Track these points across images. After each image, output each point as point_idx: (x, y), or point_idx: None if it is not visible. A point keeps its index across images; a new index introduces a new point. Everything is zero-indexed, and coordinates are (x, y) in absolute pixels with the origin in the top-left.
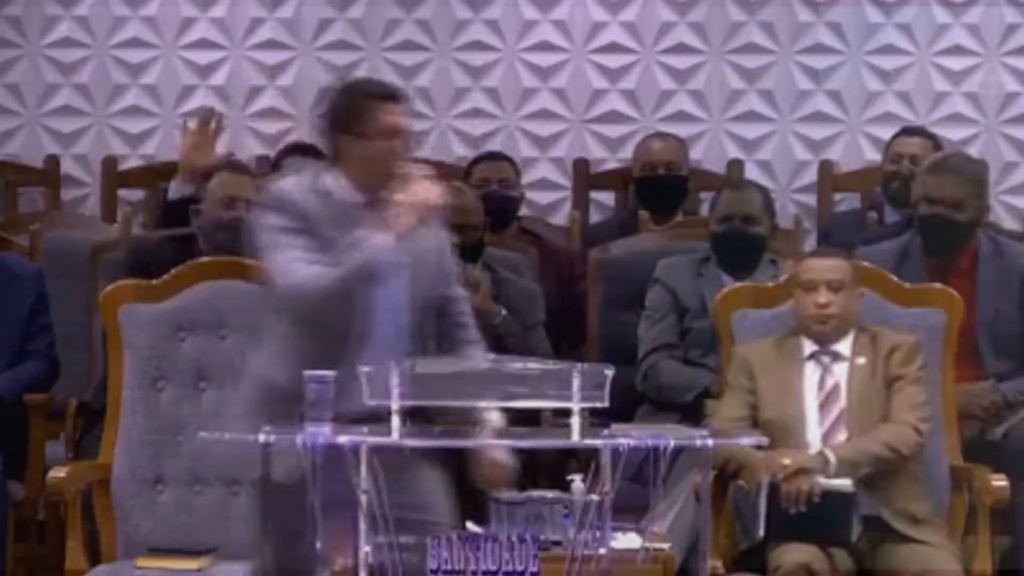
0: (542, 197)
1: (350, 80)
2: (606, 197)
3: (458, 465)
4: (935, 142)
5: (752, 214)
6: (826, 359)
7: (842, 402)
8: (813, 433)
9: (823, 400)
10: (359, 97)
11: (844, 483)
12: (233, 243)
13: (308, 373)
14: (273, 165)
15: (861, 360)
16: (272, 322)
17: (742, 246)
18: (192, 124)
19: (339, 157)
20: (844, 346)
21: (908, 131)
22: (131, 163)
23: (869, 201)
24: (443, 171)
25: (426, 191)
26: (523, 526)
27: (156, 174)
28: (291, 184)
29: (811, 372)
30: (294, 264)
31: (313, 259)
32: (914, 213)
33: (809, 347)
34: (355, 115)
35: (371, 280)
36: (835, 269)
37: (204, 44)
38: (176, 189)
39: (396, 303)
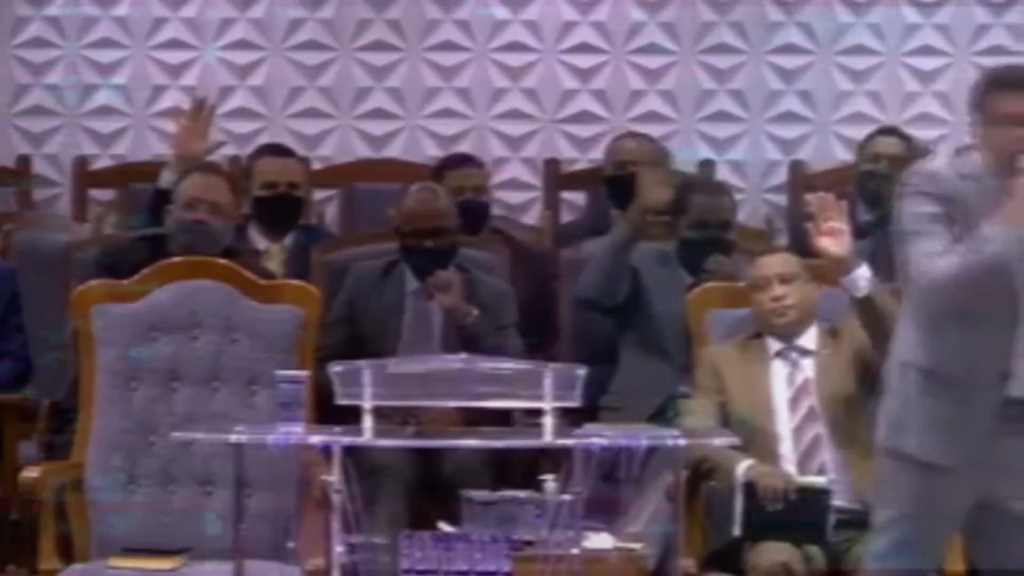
0: (513, 197)
1: (998, 66)
2: (577, 197)
3: (428, 464)
4: (910, 142)
5: (727, 220)
6: (793, 355)
7: (812, 397)
8: (784, 429)
9: (793, 396)
10: (986, 82)
11: (819, 480)
12: (194, 245)
13: (279, 373)
14: (245, 166)
15: (827, 352)
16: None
17: (713, 251)
18: (184, 111)
19: (977, 141)
20: (809, 341)
21: (884, 131)
22: (102, 163)
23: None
24: (415, 172)
25: None
26: (495, 526)
27: (127, 174)
28: (942, 166)
29: (779, 369)
30: (930, 258)
31: (951, 250)
32: (887, 211)
33: (775, 345)
34: (980, 100)
35: (995, 276)
36: (784, 263)
37: (175, 44)
38: (167, 180)
39: None
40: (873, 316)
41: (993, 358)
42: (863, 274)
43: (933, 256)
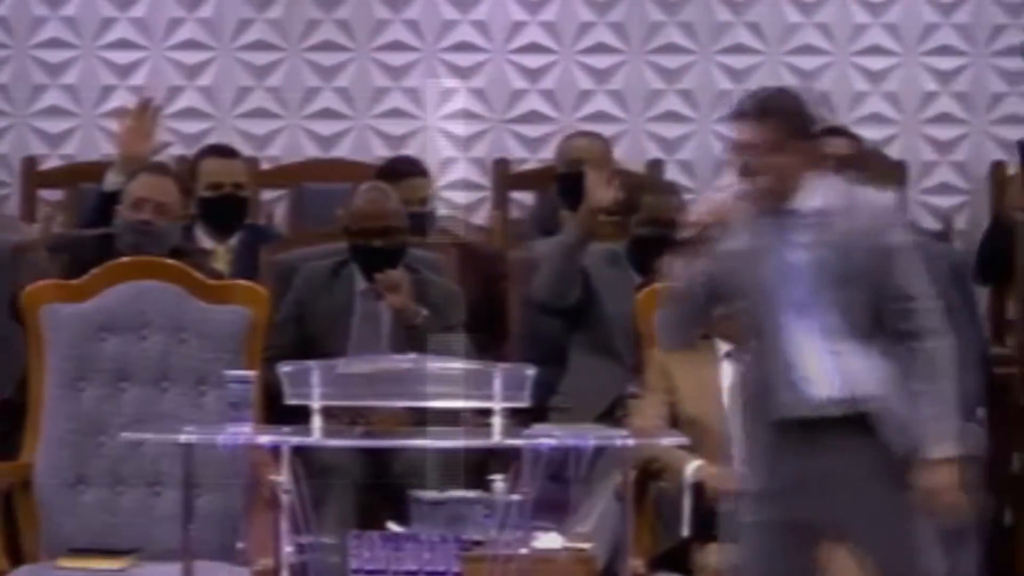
0: (462, 197)
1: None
2: (526, 197)
3: (377, 464)
4: (859, 142)
5: (676, 219)
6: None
7: None
8: (734, 431)
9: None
10: None
11: None
12: (141, 245)
13: (228, 373)
14: (191, 167)
15: None
16: None
17: (663, 251)
18: (128, 112)
19: None
20: None
21: (831, 131)
22: (51, 163)
23: None
24: (363, 172)
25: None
26: (444, 526)
27: (76, 174)
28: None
29: (728, 371)
30: None
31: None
32: None
33: (724, 346)
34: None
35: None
36: None
37: (124, 44)
38: (112, 181)
39: None
40: None
41: (768, 380)
42: None
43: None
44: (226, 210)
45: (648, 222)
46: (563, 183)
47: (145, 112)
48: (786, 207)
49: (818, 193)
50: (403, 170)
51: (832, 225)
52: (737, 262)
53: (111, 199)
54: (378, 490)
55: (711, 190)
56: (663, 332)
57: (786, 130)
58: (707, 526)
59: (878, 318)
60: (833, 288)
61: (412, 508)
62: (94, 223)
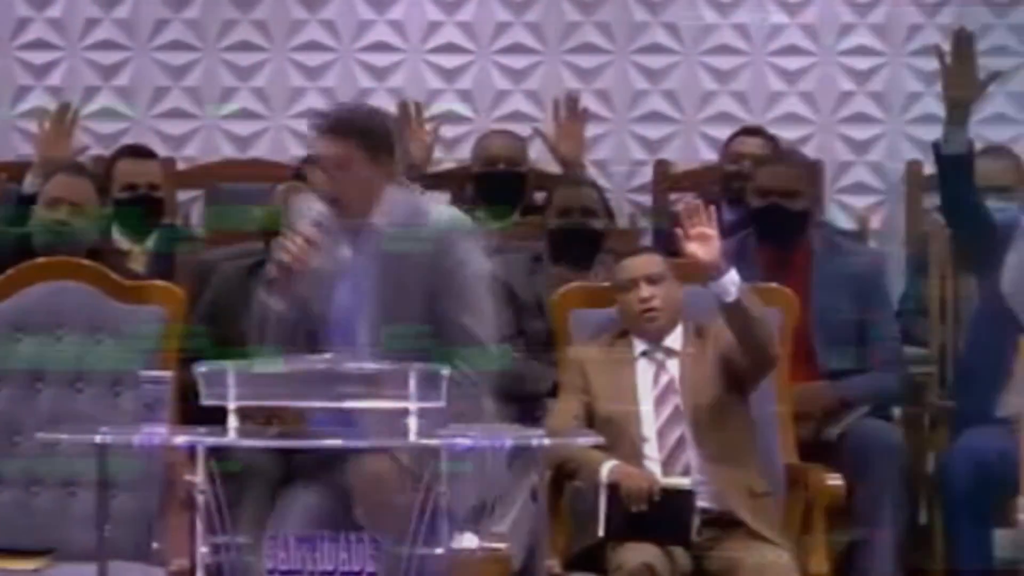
0: None
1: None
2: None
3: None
4: (774, 142)
5: (589, 207)
6: (659, 355)
7: (677, 397)
8: (649, 430)
9: (658, 396)
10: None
11: (683, 481)
12: (56, 245)
13: (143, 374)
14: (106, 167)
15: (691, 351)
16: None
17: (580, 241)
18: (47, 114)
19: None
20: (675, 341)
21: (747, 131)
22: None
23: (705, 201)
24: (280, 172)
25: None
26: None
27: None
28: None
29: (644, 370)
30: None
31: None
32: (748, 210)
33: (640, 346)
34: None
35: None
36: (651, 264)
37: (40, 44)
38: (31, 183)
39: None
40: (742, 320)
41: None
42: (732, 279)
43: None
44: (141, 211)
45: (561, 213)
46: (479, 182)
47: (64, 116)
48: (364, 223)
49: (384, 209)
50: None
51: (393, 240)
52: (322, 282)
53: (30, 201)
54: None
55: (299, 227)
56: None
57: (361, 147)
58: (621, 526)
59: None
60: (389, 307)
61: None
62: (12, 225)
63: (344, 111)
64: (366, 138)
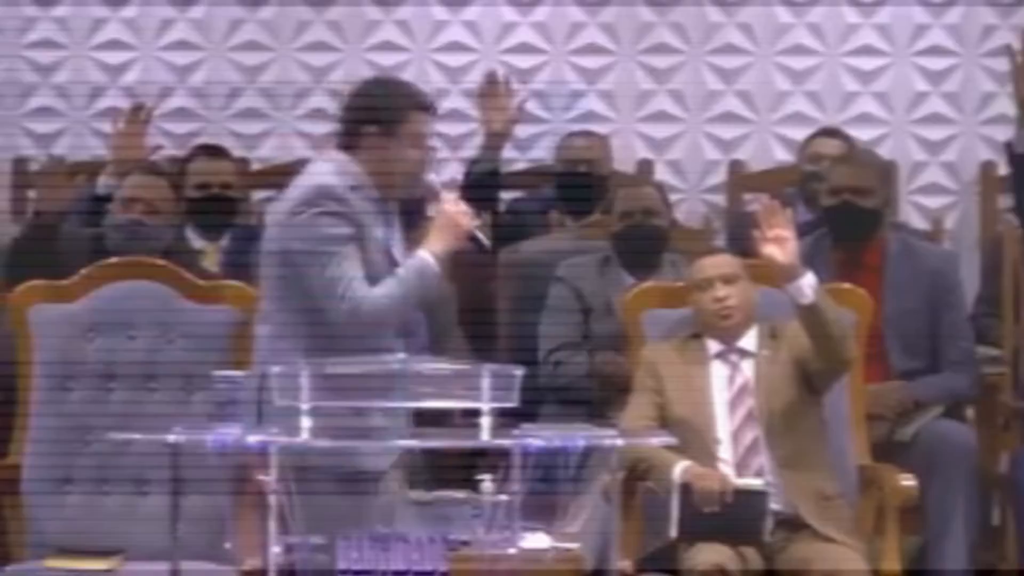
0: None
1: (391, 77)
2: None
3: None
4: (851, 143)
5: (651, 208)
6: (733, 357)
7: (751, 399)
8: (723, 432)
9: (732, 398)
10: (400, 97)
11: (755, 482)
12: (127, 245)
13: (216, 373)
14: (181, 167)
15: (766, 353)
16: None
17: (644, 241)
18: (122, 114)
19: (358, 148)
20: (749, 342)
21: (825, 132)
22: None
23: (780, 201)
24: None
25: (462, 212)
26: (432, 526)
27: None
28: (335, 178)
29: (718, 371)
30: (356, 283)
31: (368, 274)
32: (821, 209)
33: (715, 347)
34: (392, 114)
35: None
36: (726, 264)
37: (115, 45)
38: (105, 183)
39: None
40: (819, 323)
41: None
42: (808, 282)
43: (357, 280)
44: (214, 209)
45: (625, 215)
46: (560, 183)
47: (138, 115)
48: None
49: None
50: None
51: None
52: None
53: (105, 201)
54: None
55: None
56: None
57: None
58: (694, 527)
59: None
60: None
61: (400, 508)
62: (87, 225)
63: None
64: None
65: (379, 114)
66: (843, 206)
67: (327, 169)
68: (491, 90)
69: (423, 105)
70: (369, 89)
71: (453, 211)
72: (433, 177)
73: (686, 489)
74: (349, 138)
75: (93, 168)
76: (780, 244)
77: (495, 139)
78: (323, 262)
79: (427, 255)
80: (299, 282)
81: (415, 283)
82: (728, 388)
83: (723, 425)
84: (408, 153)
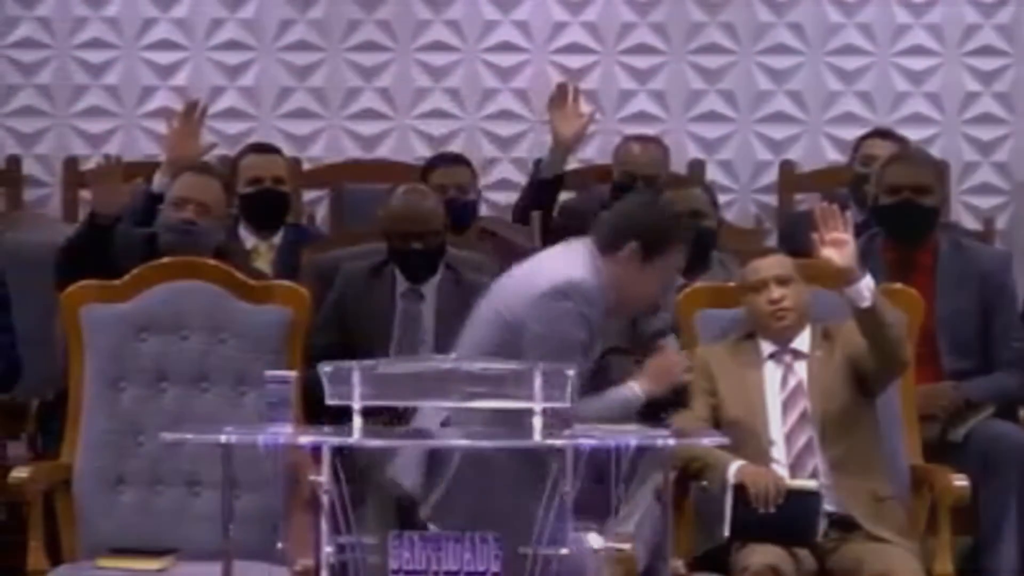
0: (504, 198)
1: (670, 204)
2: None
3: None
4: (905, 144)
5: (698, 209)
6: (787, 358)
7: (805, 400)
8: (776, 433)
9: (786, 399)
10: (673, 230)
11: (809, 483)
12: (178, 245)
13: (268, 373)
14: (232, 166)
15: (819, 354)
16: None
17: (693, 242)
18: (175, 113)
19: (614, 257)
20: (803, 343)
21: (878, 133)
22: (93, 163)
23: (831, 201)
24: (405, 172)
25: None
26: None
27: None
28: (592, 279)
29: (772, 372)
30: None
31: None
32: (874, 208)
33: (768, 348)
34: (661, 242)
35: None
36: (780, 265)
37: (165, 45)
38: (160, 183)
39: None
40: (876, 326)
41: None
42: (867, 284)
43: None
44: (267, 205)
45: None
46: (616, 190)
47: (191, 115)
48: None
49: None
50: (444, 159)
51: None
52: None
53: (159, 200)
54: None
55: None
56: None
57: None
58: (747, 527)
59: None
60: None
61: None
62: (140, 224)
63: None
64: None
65: (649, 234)
66: (903, 204)
67: (586, 266)
68: (562, 100)
69: (687, 240)
70: (649, 207)
71: (672, 361)
72: (666, 316)
73: (740, 489)
74: (610, 242)
75: (146, 169)
76: (839, 247)
77: (564, 148)
78: (552, 356)
79: (638, 391)
80: (517, 353)
81: (617, 412)
82: (782, 389)
83: (776, 426)
84: (657, 281)
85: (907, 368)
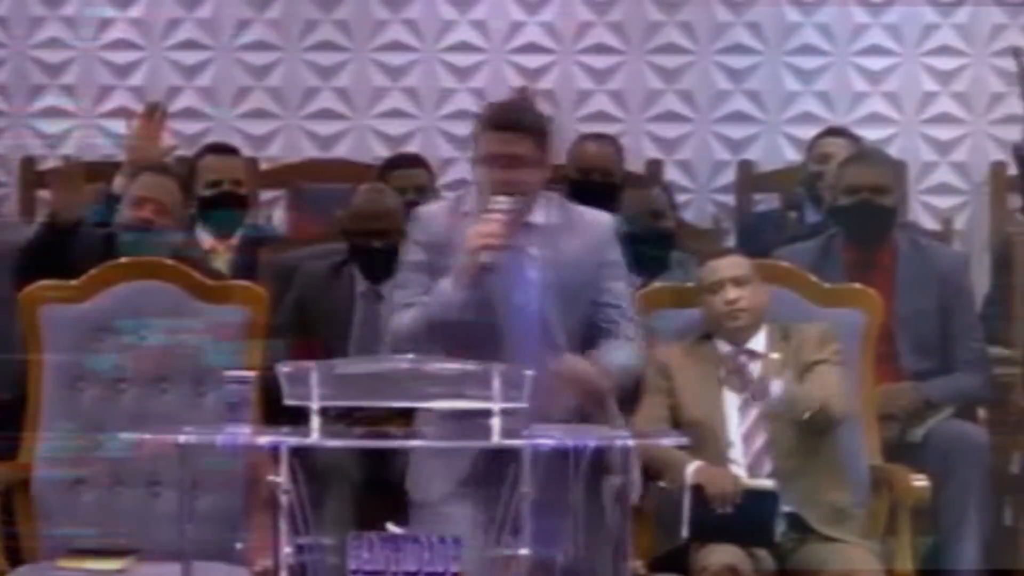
0: None
1: (491, 104)
2: None
3: (376, 465)
4: (859, 143)
5: (657, 210)
6: (743, 359)
7: (761, 402)
8: (734, 433)
9: (743, 400)
10: (477, 122)
11: (766, 483)
12: (137, 245)
13: (227, 373)
14: (190, 166)
15: (775, 355)
16: None
17: (651, 242)
18: (136, 118)
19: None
20: (758, 343)
21: (832, 131)
22: (50, 164)
23: (789, 201)
24: (362, 172)
25: (485, 230)
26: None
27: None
28: (439, 207)
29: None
30: (400, 309)
31: (416, 302)
32: (832, 209)
33: (725, 347)
34: (473, 137)
35: (447, 325)
36: (737, 265)
37: (123, 44)
38: (121, 184)
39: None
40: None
41: None
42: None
43: (401, 307)
44: (225, 207)
45: (632, 219)
46: (573, 189)
47: (153, 117)
48: (526, 222)
49: (542, 209)
50: (401, 161)
51: (557, 242)
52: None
53: (118, 201)
54: (377, 491)
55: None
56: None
57: (540, 146)
58: (705, 528)
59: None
60: (559, 303)
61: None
62: (101, 225)
63: (528, 111)
64: (543, 138)
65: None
66: (860, 205)
67: (443, 201)
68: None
69: (490, 124)
70: None
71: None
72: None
73: (697, 490)
74: None
75: (104, 168)
76: None
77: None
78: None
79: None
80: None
81: (428, 307)
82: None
83: (734, 426)
84: (479, 174)
85: (842, 421)
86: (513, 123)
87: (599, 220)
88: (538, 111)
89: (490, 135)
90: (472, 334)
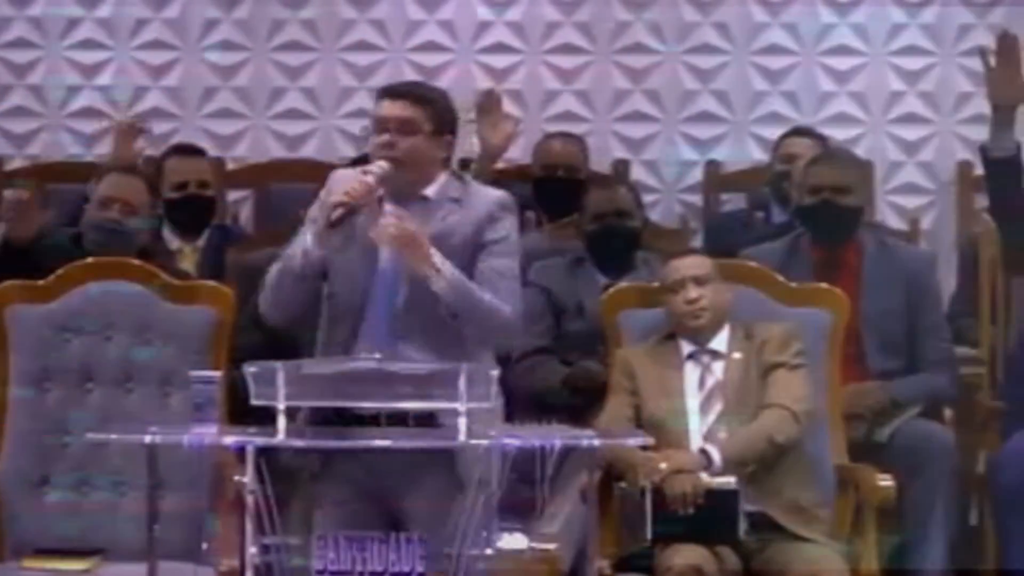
0: None
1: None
2: None
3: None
4: (824, 142)
5: (624, 209)
6: (705, 358)
7: (722, 401)
8: (695, 433)
9: (703, 399)
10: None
11: (727, 481)
12: (104, 244)
13: (193, 374)
14: (156, 166)
15: (737, 355)
16: None
17: (617, 242)
18: (118, 122)
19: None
20: (721, 343)
21: (798, 131)
22: (16, 164)
23: (755, 201)
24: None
25: (347, 189)
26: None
27: (42, 175)
28: (350, 171)
29: (691, 372)
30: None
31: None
32: (797, 209)
33: (687, 347)
34: None
35: (300, 277)
36: (698, 265)
37: (90, 44)
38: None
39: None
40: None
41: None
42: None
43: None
44: (192, 209)
45: (595, 217)
46: (538, 187)
47: (133, 123)
48: (417, 194)
49: (439, 185)
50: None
51: (445, 216)
52: (355, 241)
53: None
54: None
55: (359, 171)
56: (272, 303)
57: (436, 119)
58: (668, 528)
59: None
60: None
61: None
62: (71, 225)
63: (418, 84)
64: (433, 111)
65: None
66: (823, 205)
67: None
68: (488, 106)
69: (380, 92)
70: None
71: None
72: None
73: (659, 491)
74: None
75: (71, 169)
76: None
77: (493, 153)
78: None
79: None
80: None
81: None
82: (700, 389)
83: (696, 426)
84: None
85: (786, 451)
86: (402, 92)
87: (489, 196)
88: (435, 87)
89: (379, 102)
90: (334, 291)
